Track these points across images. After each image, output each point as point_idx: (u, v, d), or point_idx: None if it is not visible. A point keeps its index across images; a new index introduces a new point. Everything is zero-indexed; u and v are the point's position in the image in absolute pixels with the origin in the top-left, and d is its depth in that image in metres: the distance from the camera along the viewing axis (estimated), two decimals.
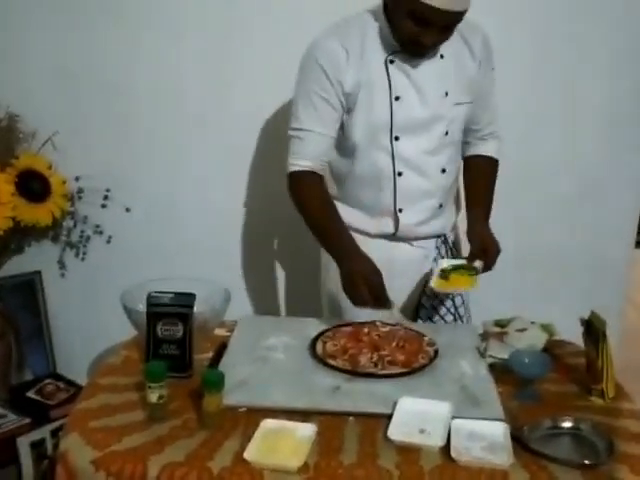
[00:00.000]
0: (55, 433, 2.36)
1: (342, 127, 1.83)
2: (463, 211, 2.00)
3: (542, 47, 2.39)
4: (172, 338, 1.62)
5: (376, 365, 1.62)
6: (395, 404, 1.46)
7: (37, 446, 2.36)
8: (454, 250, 2.02)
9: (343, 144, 1.85)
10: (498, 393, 1.53)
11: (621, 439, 1.38)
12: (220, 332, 1.83)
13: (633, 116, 2.46)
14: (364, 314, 1.76)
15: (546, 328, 1.74)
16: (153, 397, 1.44)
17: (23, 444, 2.33)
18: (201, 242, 2.59)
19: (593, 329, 1.55)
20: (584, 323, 1.59)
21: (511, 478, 1.28)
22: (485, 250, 1.84)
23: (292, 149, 1.84)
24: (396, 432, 1.38)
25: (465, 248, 1.97)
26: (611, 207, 2.53)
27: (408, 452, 1.34)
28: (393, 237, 1.92)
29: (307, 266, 2.31)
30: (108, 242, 2.63)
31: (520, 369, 1.55)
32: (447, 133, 1.84)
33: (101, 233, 2.62)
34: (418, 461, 1.32)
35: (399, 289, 1.93)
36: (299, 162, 1.82)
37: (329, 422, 1.44)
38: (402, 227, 1.90)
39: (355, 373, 1.59)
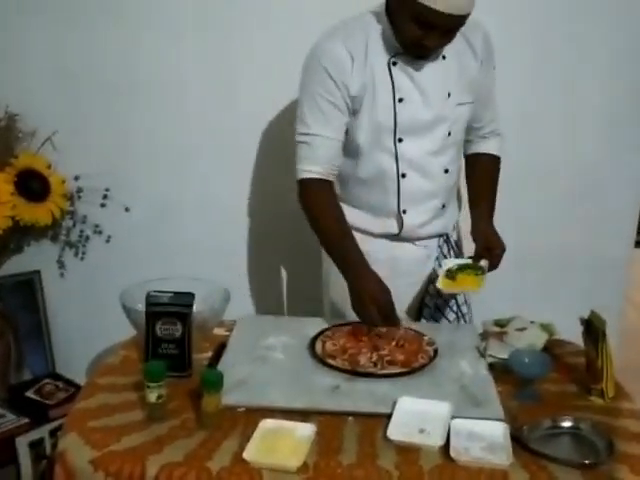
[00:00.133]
0: (54, 433, 2.35)
1: (346, 129, 1.82)
2: (465, 210, 2.00)
3: (542, 47, 2.38)
4: (171, 338, 1.62)
5: (375, 365, 1.62)
6: (394, 404, 1.46)
7: (36, 446, 2.36)
8: (456, 249, 2.02)
9: (347, 146, 1.84)
10: (498, 393, 1.53)
11: (621, 439, 1.38)
12: (219, 332, 1.83)
13: (633, 116, 2.46)
14: None
15: (546, 328, 1.73)
16: (152, 397, 1.44)
17: (22, 444, 2.33)
18: (201, 242, 2.59)
19: (593, 329, 1.55)
20: (584, 323, 1.59)
21: (511, 478, 1.28)
22: (490, 249, 1.84)
23: (301, 154, 1.81)
24: (395, 432, 1.38)
25: (467, 247, 1.97)
26: (611, 207, 2.52)
27: (407, 452, 1.34)
28: (396, 237, 1.92)
29: (308, 266, 2.30)
30: (107, 242, 2.63)
31: (520, 369, 1.55)
32: (450, 134, 1.84)
33: (100, 233, 2.62)
34: (417, 461, 1.32)
35: (402, 288, 1.93)
36: (309, 168, 1.80)
37: (328, 422, 1.44)
38: (406, 228, 1.90)
39: (354, 373, 1.59)
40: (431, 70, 1.78)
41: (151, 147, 2.56)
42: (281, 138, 2.36)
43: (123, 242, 2.62)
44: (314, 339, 1.74)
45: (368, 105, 1.77)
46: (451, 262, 1.89)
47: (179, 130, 2.52)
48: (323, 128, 1.77)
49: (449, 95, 1.80)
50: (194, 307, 1.64)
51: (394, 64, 1.76)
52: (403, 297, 1.94)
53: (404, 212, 1.88)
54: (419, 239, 1.94)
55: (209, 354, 1.72)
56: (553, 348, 1.74)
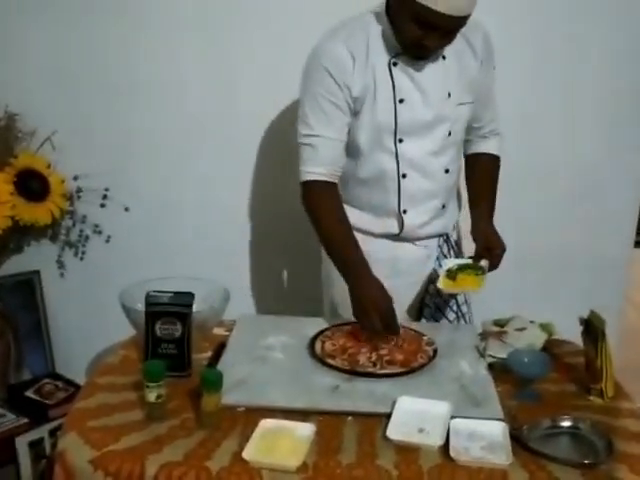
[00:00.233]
0: (53, 433, 2.35)
1: (348, 130, 1.82)
2: (465, 210, 2.00)
3: (542, 47, 2.38)
4: (171, 337, 1.62)
5: (375, 364, 1.62)
6: (394, 403, 1.46)
7: (35, 446, 2.36)
8: (456, 249, 2.02)
9: (347, 146, 1.83)
10: (497, 392, 1.54)
11: (620, 438, 1.38)
12: (219, 331, 1.83)
13: (633, 116, 2.46)
14: None
15: (545, 327, 1.73)
16: (151, 396, 1.44)
17: (21, 444, 2.33)
18: (200, 241, 2.59)
19: (592, 328, 1.55)
20: (583, 322, 1.59)
21: (510, 478, 1.28)
22: (490, 249, 1.84)
23: (304, 156, 1.80)
24: (395, 432, 1.38)
25: (467, 246, 1.96)
26: (611, 207, 2.52)
27: (407, 452, 1.34)
28: (397, 237, 1.92)
29: (307, 266, 2.30)
30: (107, 241, 2.63)
31: (519, 368, 1.55)
32: (450, 134, 1.84)
33: (100, 232, 2.62)
34: (417, 461, 1.32)
35: (402, 288, 1.93)
36: (313, 169, 1.79)
37: (328, 422, 1.44)
38: (406, 228, 1.90)
39: (354, 373, 1.59)
40: (431, 70, 1.78)
41: (151, 147, 2.56)
42: (281, 138, 2.37)
43: (123, 242, 2.62)
44: (314, 339, 1.74)
45: (369, 106, 1.77)
46: (451, 262, 1.89)
47: (179, 130, 2.52)
48: (326, 129, 1.77)
49: (449, 95, 1.80)
50: (194, 307, 1.64)
51: (394, 64, 1.75)
52: (403, 297, 1.95)
53: (404, 212, 1.88)
54: (419, 239, 1.94)
55: (209, 354, 1.72)
56: (552, 348, 1.74)
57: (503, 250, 1.85)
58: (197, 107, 2.49)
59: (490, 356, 1.67)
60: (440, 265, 1.91)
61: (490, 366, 1.65)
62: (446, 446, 1.34)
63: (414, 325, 1.85)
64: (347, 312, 1.79)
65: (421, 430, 1.40)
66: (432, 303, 1.97)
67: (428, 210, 1.90)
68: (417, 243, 1.94)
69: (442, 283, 1.83)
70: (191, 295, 1.64)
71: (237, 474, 1.29)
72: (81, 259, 2.65)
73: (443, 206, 1.93)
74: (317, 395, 1.52)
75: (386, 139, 1.80)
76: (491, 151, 1.99)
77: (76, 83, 2.49)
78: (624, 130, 2.47)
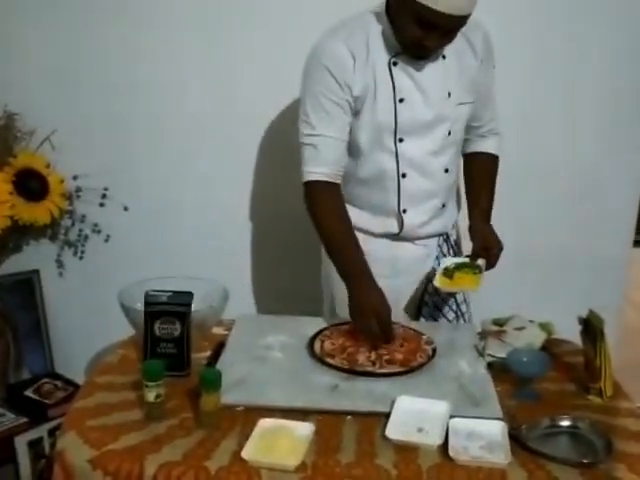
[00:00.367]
0: (53, 432, 2.35)
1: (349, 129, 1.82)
2: (464, 209, 2.00)
3: (542, 47, 2.38)
4: (170, 337, 1.62)
5: (374, 364, 1.62)
6: (393, 403, 1.46)
7: (34, 445, 2.36)
8: (456, 248, 2.02)
9: (348, 146, 1.84)
10: (496, 392, 1.53)
11: (619, 438, 1.38)
12: (218, 331, 1.83)
13: (633, 116, 2.46)
14: None
15: (544, 327, 1.73)
16: (150, 396, 1.43)
17: (20, 443, 2.33)
18: (200, 241, 2.59)
19: (591, 328, 1.55)
20: (582, 322, 1.59)
21: (509, 477, 1.28)
22: (487, 248, 1.84)
23: (306, 156, 1.79)
24: (394, 431, 1.38)
25: (466, 246, 1.97)
26: (610, 207, 2.52)
27: (406, 451, 1.34)
28: (396, 237, 1.92)
29: (307, 266, 2.30)
30: (106, 241, 2.63)
31: (518, 368, 1.55)
32: (450, 133, 1.84)
33: (99, 232, 2.62)
34: (416, 460, 1.32)
35: (402, 287, 1.94)
36: (315, 169, 1.78)
37: (327, 421, 1.44)
38: (406, 227, 1.90)
39: (353, 372, 1.59)
40: (431, 70, 1.77)
41: (150, 146, 2.56)
42: (281, 138, 2.37)
43: (122, 241, 2.62)
44: (313, 338, 1.74)
45: (369, 105, 1.77)
46: (449, 261, 1.89)
47: (178, 129, 2.52)
48: (327, 128, 1.77)
49: (449, 95, 1.80)
50: (193, 306, 1.64)
51: (394, 64, 1.75)
52: (403, 296, 1.95)
53: (404, 212, 1.88)
54: (419, 238, 1.94)
55: (208, 353, 1.72)
56: (551, 347, 1.74)
57: (500, 249, 1.85)
58: (197, 107, 2.49)
59: (489, 355, 1.67)
60: (439, 264, 1.91)
61: (489, 365, 1.65)
62: (445, 445, 1.34)
63: (413, 324, 1.85)
64: (346, 312, 1.78)
65: (420, 429, 1.40)
66: (431, 302, 1.97)
67: (428, 210, 1.90)
68: (417, 242, 1.94)
69: (439, 281, 1.83)
70: (190, 294, 1.64)
71: (236, 473, 1.29)
72: (80, 258, 2.65)
73: (443, 205, 1.93)
74: (316, 394, 1.52)
75: (386, 139, 1.80)
76: (490, 150, 1.99)
77: (76, 83, 2.49)
78: (624, 130, 2.47)
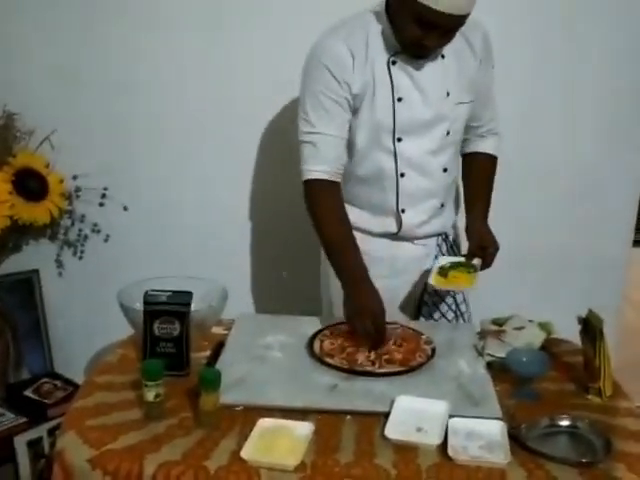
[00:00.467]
0: (52, 432, 2.35)
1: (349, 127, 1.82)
2: (462, 209, 2.00)
3: (542, 47, 2.38)
4: (169, 336, 1.62)
5: (374, 363, 1.62)
6: (392, 402, 1.46)
7: (34, 445, 2.36)
8: (454, 248, 2.02)
9: (347, 144, 1.84)
10: (495, 391, 1.53)
11: (618, 437, 1.38)
12: (217, 330, 1.83)
13: (633, 116, 2.46)
14: None
15: (544, 326, 1.73)
16: (150, 396, 1.43)
17: (20, 443, 2.33)
18: (200, 241, 2.59)
19: (590, 327, 1.55)
20: (581, 321, 1.59)
21: (508, 477, 1.28)
22: (483, 248, 1.84)
23: (306, 154, 1.79)
24: (393, 431, 1.38)
25: (465, 245, 1.96)
26: (610, 207, 2.52)
27: (405, 451, 1.34)
28: (395, 236, 1.92)
29: (307, 266, 2.30)
30: (106, 241, 2.63)
31: (518, 367, 1.55)
32: (449, 133, 1.84)
33: (99, 232, 2.62)
34: (415, 460, 1.32)
35: (401, 287, 1.94)
36: (315, 167, 1.78)
37: (326, 421, 1.44)
38: (405, 227, 1.90)
39: (352, 371, 1.59)
40: (430, 69, 1.77)
41: (150, 146, 2.56)
42: (281, 138, 2.37)
43: (121, 241, 2.62)
44: (312, 338, 1.74)
45: (368, 104, 1.77)
46: (445, 259, 1.90)
47: (177, 129, 2.52)
48: (327, 126, 1.76)
49: (448, 94, 1.80)
50: (192, 306, 1.63)
51: (393, 63, 1.75)
52: (402, 295, 1.95)
53: (403, 211, 1.88)
54: (418, 238, 1.94)
55: (207, 353, 1.72)
56: (551, 347, 1.74)
57: (496, 249, 1.85)
58: (197, 107, 2.49)
59: (489, 355, 1.67)
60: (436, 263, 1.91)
61: (488, 365, 1.65)
62: (444, 445, 1.34)
63: (412, 324, 1.85)
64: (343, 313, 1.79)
65: (419, 429, 1.40)
66: (430, 302, 1.98)
67: (427, 209, 1.90)
68: (416, 242, 1.94)
69: (433, 279, 1.83)
70: (189, 294, 1.64)
71: (235, 473, 1.29)
72: (80, 258, 2.65)
73: (442, 205, 1.93)
74: (315, 394, 1.52)
75: (384, 138, 1.80)
76: (488, 150, 1.98)
77: (76, 82, 2.48)
78: (624, 130, 2.47)
